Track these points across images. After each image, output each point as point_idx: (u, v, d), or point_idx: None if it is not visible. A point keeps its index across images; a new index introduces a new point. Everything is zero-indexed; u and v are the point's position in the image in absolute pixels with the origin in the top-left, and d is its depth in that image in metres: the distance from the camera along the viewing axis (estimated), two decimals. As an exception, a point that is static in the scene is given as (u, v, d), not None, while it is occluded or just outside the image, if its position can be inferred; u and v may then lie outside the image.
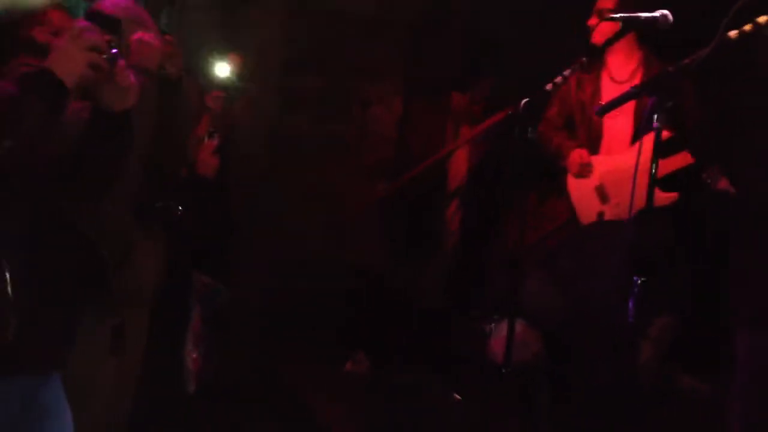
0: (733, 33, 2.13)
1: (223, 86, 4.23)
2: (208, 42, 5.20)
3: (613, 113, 3.59)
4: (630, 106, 3.60)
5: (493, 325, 4.07)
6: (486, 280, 4.96)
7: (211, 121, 3.99)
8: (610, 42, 3.56)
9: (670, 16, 2.75)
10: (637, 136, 3.65)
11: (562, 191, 3.91)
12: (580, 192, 3.81)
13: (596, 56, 3.70)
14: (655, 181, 2.31)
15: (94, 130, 2.14)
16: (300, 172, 5.51)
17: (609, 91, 3.75)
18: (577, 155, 3.76)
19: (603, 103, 3.62)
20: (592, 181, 3.77)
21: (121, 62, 2.10)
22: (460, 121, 5.41)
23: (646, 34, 3.66)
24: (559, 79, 2.82)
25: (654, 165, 2.33)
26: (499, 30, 4.96)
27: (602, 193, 3.74)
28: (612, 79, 3.80)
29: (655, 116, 2.16)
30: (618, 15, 2.85)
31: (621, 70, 3.77)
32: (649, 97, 2.17)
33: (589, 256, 3.66)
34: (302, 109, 5.62)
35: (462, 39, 5.56)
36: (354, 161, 5.74)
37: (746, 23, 2.12)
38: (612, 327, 2.64)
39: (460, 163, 5.36)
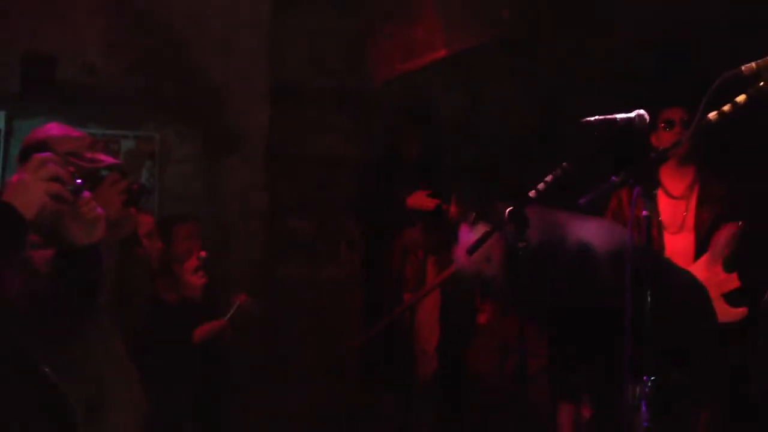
0: (712, 115, 2.10)
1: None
2: (188, 192, 5.22)
3: (672, 229, 3.59)
4: (690, 222, 3.59)
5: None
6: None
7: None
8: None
9: (647, 116, 2.73)
10: (700, 252, 3.62)
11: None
12: None
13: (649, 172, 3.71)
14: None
15: (59, 267, 2.04)
16: (294, 316, 5.39)
17: (666, 207, 3.75)
18: None
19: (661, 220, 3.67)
20: None
21: (86, 193, 2.03)
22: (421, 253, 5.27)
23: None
24: (541, 186, 2.76)
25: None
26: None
27: None
28: (668, 194, 3.80)
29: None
30: (594, 118, 2.81)
31: (676, 185, 3.77)
32: (633, 186, 2.10)
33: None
34: (290, 252, 5.56)
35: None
36: (347, 303, 5.63)
37: (724, 104, 2.10)
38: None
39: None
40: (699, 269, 3.49)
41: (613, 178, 2.33)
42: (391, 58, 5.47)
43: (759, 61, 2.09)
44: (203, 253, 3.68)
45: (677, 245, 3.67)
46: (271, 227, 5.46)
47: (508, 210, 2.76)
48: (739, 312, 3.41)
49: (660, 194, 3.77)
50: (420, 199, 4.97)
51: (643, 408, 1.99)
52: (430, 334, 5.09)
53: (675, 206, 3.73)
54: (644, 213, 2.08)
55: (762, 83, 2.07)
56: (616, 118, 2.78)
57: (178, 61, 5.33)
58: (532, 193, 2.77)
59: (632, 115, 2.74)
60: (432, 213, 4.97)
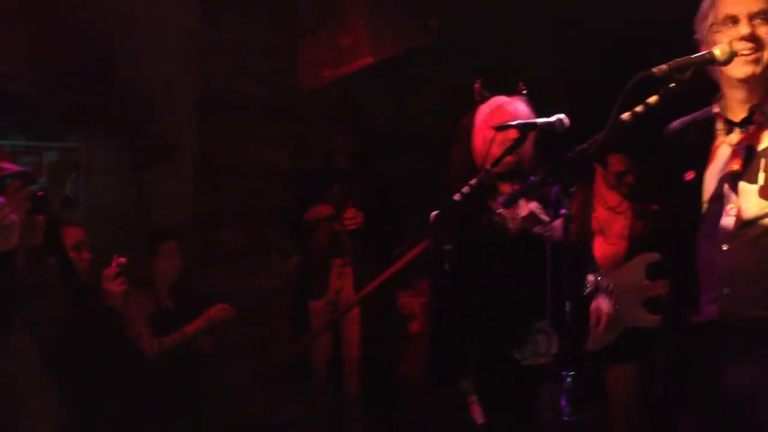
0: (626, 115, 2.15)
1: None
2: (115, 204, 5.14)
3: (609, 237, 3.68)
4: (625, 231, 3.80)
5: None
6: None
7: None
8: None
9: (566, 120, 2.79)
10: (629, 256, 3.72)
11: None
12: None
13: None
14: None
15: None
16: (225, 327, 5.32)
17: (602, 214, 3.94)
18: None
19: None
20: None
21: (0, 199, 1.98)
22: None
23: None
24: (466, 189, 2.79)
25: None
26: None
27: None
28: (605, 205, 3.95)
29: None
30: (515, 122, 2.86)
31: (613, 196, 3.88)
32: (552, 185, 2.14)
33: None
34: (221, 264, 5.50)
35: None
36: (280, 313, 5.60)
37: (637, 105, 2.15)
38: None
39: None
40: (623, 274, 3.58)
41: (531, 177, 2.38)
42: (320, 66, 5.48)
43: (670, 62, 2.15)
44: (123, 260, 3.64)
45: (609, 251, 3.76)
46: (200, 237, 5.40)
47: (433, 214, 2.80)
48: (656, 319, 3.50)
49: (597, 202, 3.89)
50: (315, 211, 4.95)
51: (563, 403, 2.02)
52: (354, 349, 5.05)
53: (610, 216, 3.87)
54: (563, 211, 2.11)
55: (673, 84, 2.13)
56: (536, 122, 2.84)
57: (104, 70, 5.25)
58: (457, 197, 2.81)
59: (552, 119, 2.80)
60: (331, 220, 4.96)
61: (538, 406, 2.83)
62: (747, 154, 2.16)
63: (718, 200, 2.17)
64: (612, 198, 3.93)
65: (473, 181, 2.82)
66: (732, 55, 2.15)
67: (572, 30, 4.56)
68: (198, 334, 4.37)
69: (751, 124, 2.19)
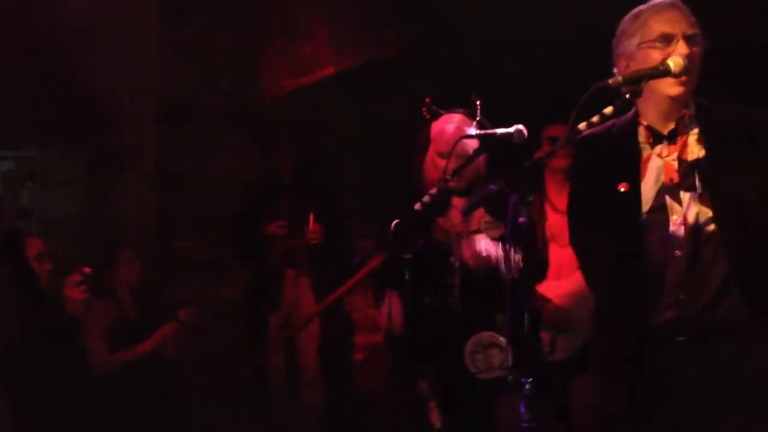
0: (582, 125, 2.20)
1: None
2: (72, 214, 5.07)
3: (561, 242, 3.71)
4: None
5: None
6: None
7: None
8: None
9: (525, 131, 2.83)
10: None
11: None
12: None
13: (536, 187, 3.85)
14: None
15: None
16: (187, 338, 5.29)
17: (554, 220, 3.90)
18: None
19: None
20: None
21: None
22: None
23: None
24: (426, 198, 2.81)
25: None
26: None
27: None
28: (555, 209, 3.90)
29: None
30: (476, 133, 2.89)
31: (563, 200, 3.90)
32: (510, 194, 2.17)
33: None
34: (182, 273, 5.46)
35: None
36: (242, 324, 5.55)
37: (593, 115, 2.20)
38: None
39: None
40: (579, 280, 3.62)
41: (490, 186, 2.41)
42: (281, 76, 5.47)
43: (624, 74, 2.21)
44: (87, 270, 3.63)
45: (564, 258, 3.78)
46: (161, 248, 5.36)
47: (394, 223, 2.82)
48: None
49: (547, 208, 3.92)
50: (270, 230, 4.93)
51: (522, 409, 2.03)
52: (312, 360, 5.03)
53: (562, 220, 3.87)
54: (521, 219, 2.14)
55: (627, 95, 2.18)
56: (495, 133, 2.87)
57: (62, 79, 5.19)
58: (417, 206, 2.83)
59: (511, 130, 2.83)
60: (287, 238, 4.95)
61: (495, 417, 2.85)
62: (680, 164, 2.25)
63: (660, 210, 2.25)
64: (561, 201, 3.96)
65: (433, 191, 2.84)
66: (686, 69, 2.21)
67: (533, 39, 4.62)
68: (149, 353, 4.37)
69: (678, 136, 2.28)
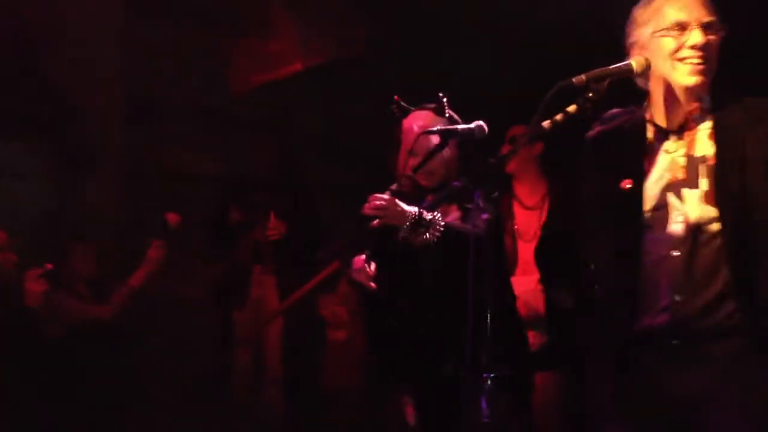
0: (546, 123, 2.19)
1: None
2: (35, 210, 5.03)
3: (527, 237, 3.71)
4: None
5: None
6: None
7: None
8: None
9: (485, 127, 2.84)
10: None
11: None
12: None
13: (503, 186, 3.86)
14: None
15: None
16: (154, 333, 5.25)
17: (521, 217, 3.93)
18: None
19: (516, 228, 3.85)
20: None
21: None
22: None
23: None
24: (387, 194, 2.82)
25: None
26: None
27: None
28: (522, 205, 3.92)
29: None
30: (436, 128, 2.89)
31: (530, 197, 3.91)
32: (474, 190, 2.17)
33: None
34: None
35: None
36: (205, 322, 5.53)
37: (557, 113, 2.19)
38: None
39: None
40: None
41: (455, 183, 2.41)
42: (250, 72, 5.45)
43: (588, 73, 2.19)
44: (49, 266, 3.62)
45: (531, 254, 3.81)
46: (125, 245, 5.31)
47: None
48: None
49: (515, 205, 3.95)
50: (230, 218, 4.94)
51: (483, 405, 2.04)
52: (276, 359, 5.02)
53: (529, 216, 3.92)
54: (485, 216, 2.14)
55: (591, 94, 2.17)
56: (457, 129, 2.88)
57: (28, 75, 5.14)
58: (375, 223, 2.81)
59: (472, 125, 2.84)
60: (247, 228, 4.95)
61: (465, 415, 2.85)
62: (688, 161, 2.17)
63: (662, 208, 2.16)
64: (529, 198, 3.98)
65: (393, 186, 2.84)
66: (647, 68, 2.20)
67: (502, 38, 4.63)
68: (145, 282, 4.42)
69: (686, 131, 2.19)
